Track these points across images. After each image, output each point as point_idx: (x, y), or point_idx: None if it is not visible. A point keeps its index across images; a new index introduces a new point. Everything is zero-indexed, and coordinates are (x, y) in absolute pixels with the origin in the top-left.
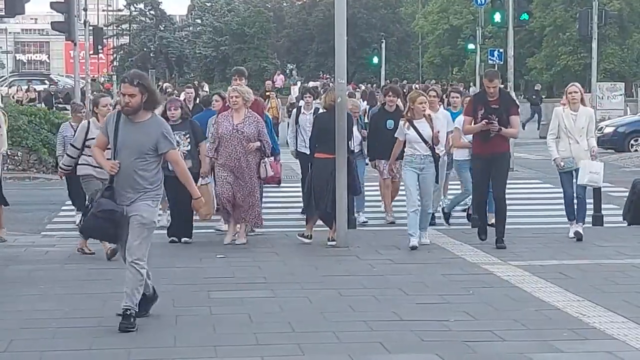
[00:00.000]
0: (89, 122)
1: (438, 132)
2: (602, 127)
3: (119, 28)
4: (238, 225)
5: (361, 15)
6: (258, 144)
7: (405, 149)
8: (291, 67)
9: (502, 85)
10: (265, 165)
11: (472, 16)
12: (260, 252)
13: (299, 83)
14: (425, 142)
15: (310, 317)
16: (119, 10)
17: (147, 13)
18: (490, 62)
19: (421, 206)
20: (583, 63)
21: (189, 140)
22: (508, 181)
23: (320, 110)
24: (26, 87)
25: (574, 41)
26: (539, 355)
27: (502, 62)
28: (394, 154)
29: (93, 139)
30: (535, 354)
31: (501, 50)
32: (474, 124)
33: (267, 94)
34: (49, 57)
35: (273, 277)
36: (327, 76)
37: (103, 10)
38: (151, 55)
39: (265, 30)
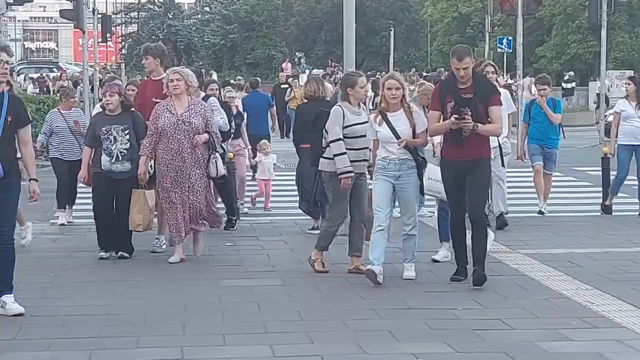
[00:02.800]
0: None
1: (424, 131)
2: (606, 115)
3: (128, 16)
4: (188, 236)
5: (370, 3)
6: (206, 136)
7: (378, 151)
8: (299, 55)
9: (485, 67)
10: (216, 162)
11: (481, 4)
12: (269, 241)
13: (307, 71)
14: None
15: (319, 305)
16: None
17: (156, 1)
18: (499, 50)
19: (405, 229)
20: (592, 51)
21: (128, 137)
22: (514, 170)
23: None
24: (37, 74)
25: (584, 29)
26: (548, 343)
27: (511, 50)
28: (373, 156)
29: None
30: (544, 343)
31: (510, 38)
32: (443, 120)
33: (283, 86)
34: (57, 45)
35: (282, 265)
36: (336, 64)
37: None
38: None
39: (274, 18)
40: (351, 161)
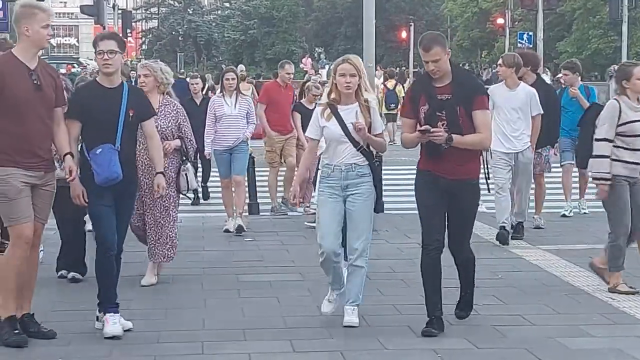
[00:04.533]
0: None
1: (381, 133)
2: None
3: (148, 12)
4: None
5: None
6: (178, 142)
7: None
8: (319, 50)
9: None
10: (186, 175)
11: None
12: (289, 236)
13: (327, 67)
14: (355, 142)
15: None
16: None
17: None
18: (519, 45)
19: (350, 257)
20: (613, 46)
21: None
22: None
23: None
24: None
25: (604, 24)
26: (569, 339)
27: (531, 46)
28: (302, 165)
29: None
30: (565, 339)
31: (530, 33)
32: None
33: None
34: (78, 41)
35: (301, 260)
36: None
37: None
38: (180, 39)
39: (294, 13)
40: (627, 162)
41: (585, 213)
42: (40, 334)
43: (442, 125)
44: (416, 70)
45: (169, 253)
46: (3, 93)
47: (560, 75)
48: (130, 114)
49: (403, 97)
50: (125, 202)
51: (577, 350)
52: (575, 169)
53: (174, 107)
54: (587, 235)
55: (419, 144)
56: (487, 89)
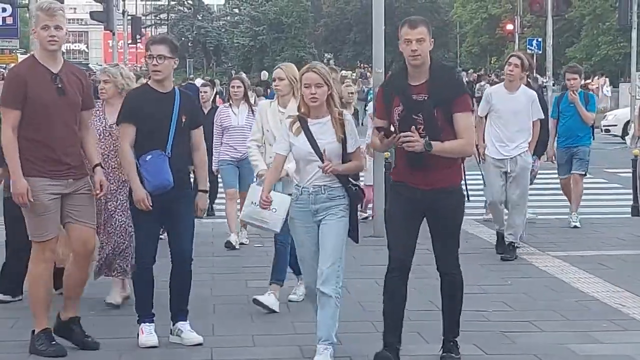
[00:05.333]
0: None
1: (361, 147)
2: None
3: (157, 18)
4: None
5: (399, 4)
6: None
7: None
8: (329, 56)
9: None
10: None
11: (511, 5)
12: None
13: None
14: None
15: (348, 306)
16: None
17: (185, 3)
18: (529, 51)
19: (318, 281)
20: (623, 52)
21: None
22: (544, 172)
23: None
24: None
25: (614, 31)
26: (578, 346)
27: (540, 52)
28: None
29: None
30: (574, 345)
31: (540, 39)
32: (394, 132)
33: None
34: (87, 47)
35: None
36: (365, 65)
37: (141, 0)
38: (189, 44)
39: (303, 19)
40: None
41: (575, 227)
42: (84, 344)
43: (419, 129)
44: None
45: (126, 268)
46: (26, 98)
47: (565, 81)
48: (183, 120)
49: None
50: (181, 208)
51: (586, 357)
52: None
53: None
54: (596, 241)
55: (394, 151)
56: (484, 91)
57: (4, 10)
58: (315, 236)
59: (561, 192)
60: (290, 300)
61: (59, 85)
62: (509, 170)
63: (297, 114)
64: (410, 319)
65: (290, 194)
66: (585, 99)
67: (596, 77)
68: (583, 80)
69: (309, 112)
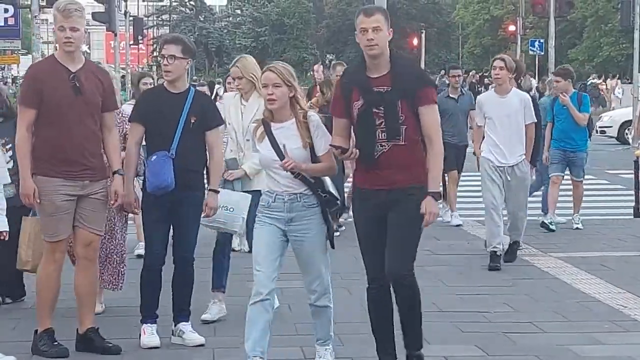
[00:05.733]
0: None
1: (328, 152)
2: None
3: (159, 19)
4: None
5: (401, 5)
6: (123, 154)
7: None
8: (331, 57)
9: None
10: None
11: (513, 6)
12: None
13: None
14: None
15: (350, 308)
16: (159, 0)
17: (187, 4)
18: (531, 52)
19: (310, 297)
20: (625, 54)
21: (11, 153)
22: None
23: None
24: None
25: (616, 32)
26: (580, 347)
27: (542, 53)
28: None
29: None
30: (576, 346)
31: (542, 40)
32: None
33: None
34: (89, 47)
35: None
36: None
37: (143, 1)
38: None
39: (305, 20)
40: None
41: (577, 228)
42: (105, 349)
43: (380, 124)
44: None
45: (113, 280)
46: (42, 97)
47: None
48: (192, 121)
49: None
50: (185, 209)
51: (588, 358)
52: (568, 182)
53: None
54: (598, 242)
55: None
56: (476, 99)
57: (6, 11)
58: (280, 246)
59: (563, 193)
60: (204, 321)
61: (76, 85)
62: (507, 179)
63: (264, 116)
64: None
65: (247, 192)
66: (578, 100)
67: (608, 79)
68: (601, 80)
69: (272, 116)
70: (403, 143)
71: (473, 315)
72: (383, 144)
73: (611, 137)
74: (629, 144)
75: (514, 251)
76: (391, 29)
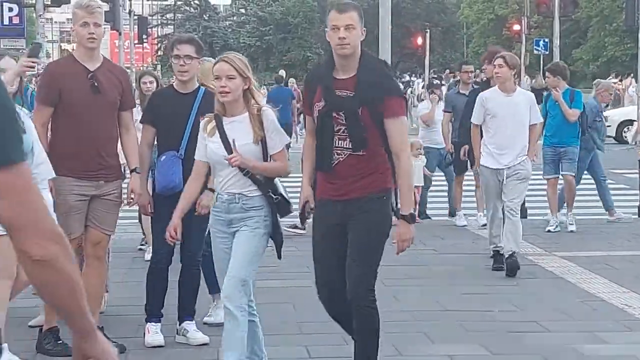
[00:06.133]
0: None
1: (281, 149)
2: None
3: (164, 18)
4: None
5: (405, 4)
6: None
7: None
8: None
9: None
10: None
11: (518, 6)
12: (304, 241)
13: None
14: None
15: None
16: None
17: (192, 3)
18: (535, 52)
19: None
20: (630, 54)
21: None
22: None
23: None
24: None
25: (621, 32)
26: (584, 346)
27: (547, 52)
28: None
29: None
30: (580, 345)
31: (547, 40)
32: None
33: None
34: None
35: None
36: None
37: (147, 0)
38: None
39: (309, 19)
40: None
41: (572, 231)
42: None
43: (338, 131)
44: (435, 77)
45: None
46: (61, 96)
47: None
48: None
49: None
50: (193, 209)
51: (592, 357)
52: (561, 181)
53: None
54: (603, 242)
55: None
56: (479, 94)
57: (10, 9)
58: (231, 248)
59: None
60: (206, 324)
61: (95, 84)
62: (506, 179)
63: (216, 110)
64: (417, 319)
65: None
66: (570, 97)
67: (623, 78)
68: (618, 79)
69: (225, 110)
70: (362, 153)
71: (478, 315)
72: (340, 152)
73: (609, 136)
74: (627, 143)
75: (513, 263)
76: (364, 29)
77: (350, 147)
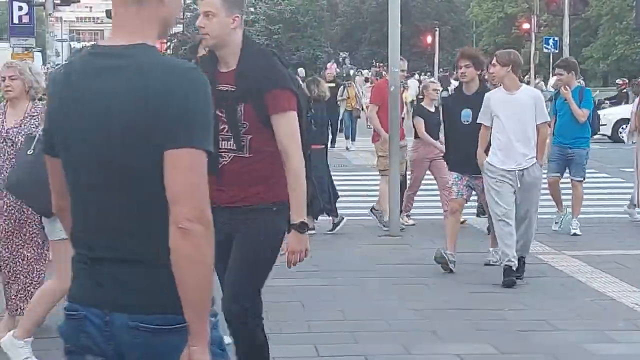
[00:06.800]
0: None
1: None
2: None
3: None
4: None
5: (415, 3)
6: None
7: None
8: (344, 55)
9: None
10: None
11: (527, 4)
12: (312, 241)
13: (351, 72)
14: None
15: (362, 305)
16: None
17: None
18: (545, 50)
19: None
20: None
21: None
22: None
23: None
24: None
25: (631, 30)
26: (594, 345)
27: (557, 51)
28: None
29: None
30: (590, 344)
31: (556, 38)
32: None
33: (329, 84)
34: None
35: (325, 265)
36: (381, 64)
37: None
38: None
39: (319, 18)
40: None
41: (575, 234)
42: None
43: (223, 130)
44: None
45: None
46: None
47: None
48: None
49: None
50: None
51: (602, 356)
52: (568, 184)
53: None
54: (613, 241)
55: None
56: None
57: (20, 9)
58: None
59: (565, 192)
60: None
61: None
62: (517, 185)
63: None
64: (426, 318)
65: None
66: (579, 95)
67: None
68: None
69: None
70: (247, 155)
71: (487, 313)
72: (224, 154)
73: (604, 135)
74: (623, 142)
75: (521, 267)
76: (237, 16)
77: (234, 147)
